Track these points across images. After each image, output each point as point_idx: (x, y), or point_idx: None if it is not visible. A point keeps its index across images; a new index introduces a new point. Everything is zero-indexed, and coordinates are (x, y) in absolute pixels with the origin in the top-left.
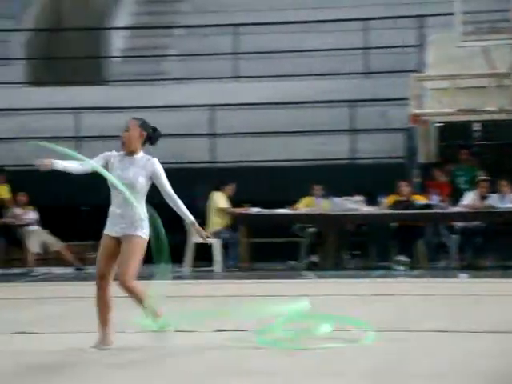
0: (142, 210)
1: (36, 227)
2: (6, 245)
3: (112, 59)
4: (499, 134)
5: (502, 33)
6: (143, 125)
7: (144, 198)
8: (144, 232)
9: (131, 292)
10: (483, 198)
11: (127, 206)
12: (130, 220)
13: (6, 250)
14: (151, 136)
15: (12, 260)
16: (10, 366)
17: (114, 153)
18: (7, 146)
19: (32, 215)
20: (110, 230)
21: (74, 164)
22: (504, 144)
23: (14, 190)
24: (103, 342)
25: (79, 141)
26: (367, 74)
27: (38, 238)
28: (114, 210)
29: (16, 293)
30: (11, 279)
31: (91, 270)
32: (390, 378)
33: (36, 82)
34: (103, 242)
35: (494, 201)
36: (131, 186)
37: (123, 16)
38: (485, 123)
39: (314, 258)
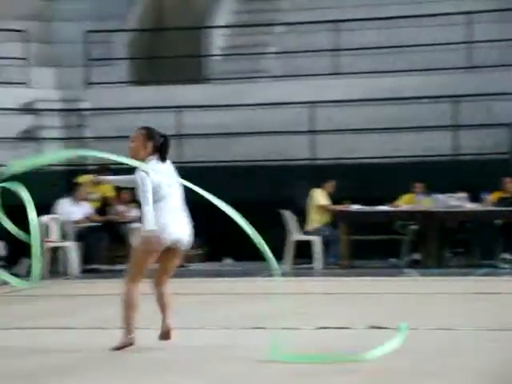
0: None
1: (139, 224)
2: (110, 242)
3: (212, 57)
4: None
5: None
6: (148, 134)
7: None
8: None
9: None
10: None
11: None
12: None
13: (109, 247)
14: (159, 145)
15: (116, 257)
16: (134, 360)
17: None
18: (111, 145)
19: (135, 213)
20: None
21: (121, 177)
22: None
23: (118, 188)
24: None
25: (180, 139)
26: (471, 68)
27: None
28: None
29: (119, 289)
30: (115, 276)
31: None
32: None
33: (138, 81)
34: None
35: None
36: None
37: (224, 14)
38: None
39: (416, 256)
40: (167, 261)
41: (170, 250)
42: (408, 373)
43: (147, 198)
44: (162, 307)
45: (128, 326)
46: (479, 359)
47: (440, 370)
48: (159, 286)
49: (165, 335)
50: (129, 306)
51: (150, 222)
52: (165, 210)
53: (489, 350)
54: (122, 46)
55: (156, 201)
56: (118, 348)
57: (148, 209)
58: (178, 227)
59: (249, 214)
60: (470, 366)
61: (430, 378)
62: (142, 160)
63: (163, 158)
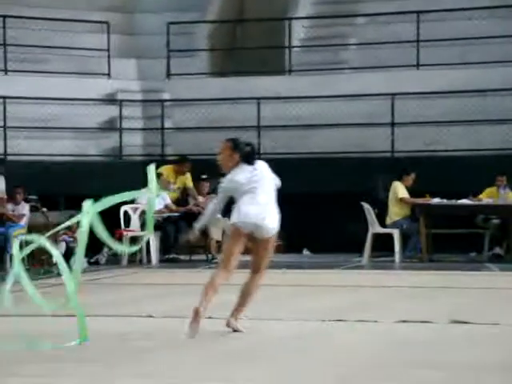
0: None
1: (218, 215)
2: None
3: (293, 49)
4: None
5: None
6: (234, 145)
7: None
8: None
9: None
10: None
11: None
12: None
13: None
14: (245, 155)
15: (194, 247)
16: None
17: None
18: (191, 136)
19: None
20: None
21: (211, 211)
22: None
23: (197, 179)
24: None
25: (260, 130)
26: None
27: (220, 226)
28: None
29: (199, 279)
30: (194, 266)
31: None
32: None
33: (219, 72)
34: None
35: None
36: None
37: (304, 5)
38: None
39: (498, 250)
40: (256, 251)
41: (259, 241)
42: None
43: (214, 200)
44: (242, 294)
45: (204, 302)
46: None
47: None
48: (251, 276)
49: (229, 323)
50: (210, 286)
51: (203, 219)
52: (247, 202)
53: None
54: (203, 37)
55: (240, 196)
56: (192, 322)
57: (210, 207)
58: (260, 217)
59: (327, 207)
60: None
61: None
62: (228, 170)
63: (250, 163)
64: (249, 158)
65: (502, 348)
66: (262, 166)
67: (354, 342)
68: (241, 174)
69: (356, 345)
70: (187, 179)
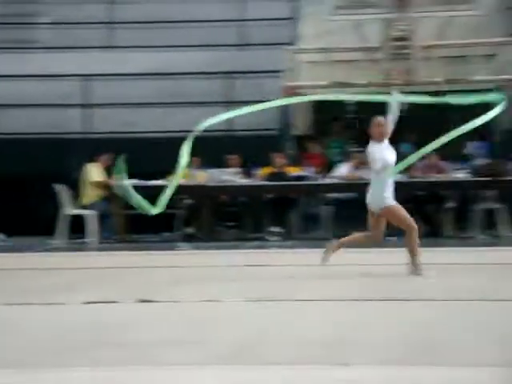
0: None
1: None
2: None
3: None
4: (372, 106)
5: (374, 7)
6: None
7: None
8: None
9: None
10: (356, 169)
11: None
12: None
13: None
14: None
15: None
16: None
17: None
18: None
19: None
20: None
21: None
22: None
23: None
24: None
25: None
26: (243, 45)
27: None
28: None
29: None
30: None
31: None
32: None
33: None
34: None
35: (366, 172)
36: None
37: None
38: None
39: (190, 230)
40: None
41: None
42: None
43: None
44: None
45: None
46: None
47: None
48: None
49: None
50: None
51: None
52: None
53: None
54: None
55: None
56: None
57: None
58: None
59: (20, 189)
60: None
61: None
62: None
63: None
64: None
65: (179, 325)
66: None
67: (36, 327)
68: None
69: (38, 329)
70: None
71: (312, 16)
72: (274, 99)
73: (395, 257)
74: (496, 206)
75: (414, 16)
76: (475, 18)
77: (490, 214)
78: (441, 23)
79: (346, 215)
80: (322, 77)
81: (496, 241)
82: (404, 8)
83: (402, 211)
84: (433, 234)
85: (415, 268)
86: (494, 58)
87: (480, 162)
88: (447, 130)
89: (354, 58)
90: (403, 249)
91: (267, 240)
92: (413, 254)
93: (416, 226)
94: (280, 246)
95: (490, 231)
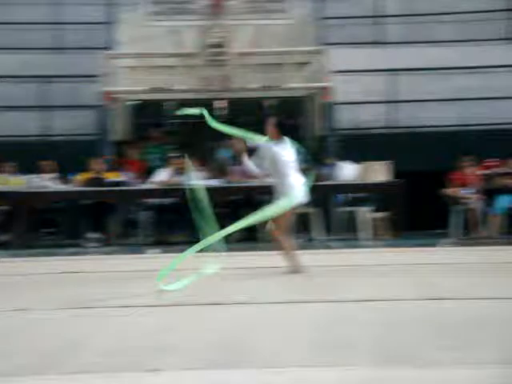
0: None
1: None
2: None
3: None
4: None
5: (190, 14)
6: None
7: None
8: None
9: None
10: (175, 175)
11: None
12: None
13: None
14: None
15: None
16: None
17: None
18: None
19: None
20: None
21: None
22: (195, 122)
23: None
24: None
25: None
26: (58, 49)
27: None
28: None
29: None
30: None
31: None
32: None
33: None
34: None
35: (184, 178)
36: None
37: None
38: (176, 102)
39: (5, 237)
40: None
41: None
42: None
43: None
44: None
45: None
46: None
47: None
48: None
49: None
50: None
51: None
52: None
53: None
54: None
55: None
56: None
57: None
58: None
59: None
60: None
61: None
62: None
63: None
64: None
65: None
66: None
67: None
68: None
69: None
70: None
71: (128, 21)
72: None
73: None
74: (309, 209)
75: (230, 23)
76: (289, 26)
77: (303, 217)
78: (256, 31)
79: (166, 220)
80: (141, 82)
81: (308, 244)
82: (219, 15)
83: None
84: (250, 238)
85: (295, 267)
86: (307, 66)
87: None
88: None
89: (172, 63)
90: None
91: (85, 246)
92: (286, 254)
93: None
94: (98, 253)
95: (304, 234)
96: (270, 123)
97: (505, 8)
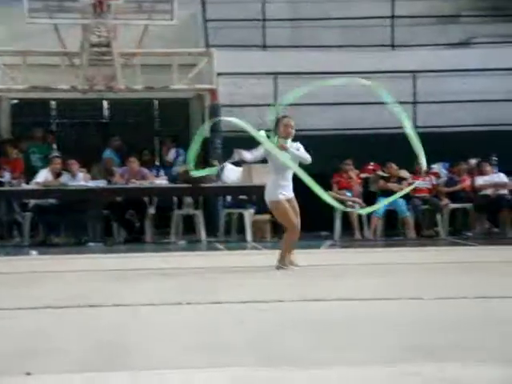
0: None
1: None
2: None
3: None
4: (75, 112)
5: (72, 12)
6: None
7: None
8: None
9: None
10: (56, 175)
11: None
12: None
13: None
14: None
15: None
16: None
17: None
18: None
19: None
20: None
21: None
22: (79, 122)
23: None
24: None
25: None
26: None
27: None
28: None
29: None
30: None
31: None
32: None
33: None
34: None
35: (66, 178)
36: None
37: None
38: (60, 101)
39: None
40: None
41: None
42: None
43: None
44: None
45: None
46: None
47: None
48: None
49: None
50: None
51: None
52: None
53: None
54: None
55: None
56: None
57: None
58: None
59: None
60: None
61: None
62: None
63: None
64: None
65: None
66: None
67: None
68: None
69: None
70: None
71: (5, 18)
72: None
73: None
74: (194, 211)
75: (114, 23)
76: (174, 28)
77: (189, 219)
78: (140, 32)
79: (47, 221)
80: (20, 80)
81: (195, 245)
82: (102, 14)
83: (289, 210)
84: (135, 239)
85: (281, 264)
86: (194, 68)
87: (179, 169)
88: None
89: (54, 62)
90: None
91: None
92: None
93: (297, 227)
94: None
95: (189, 236)
96: None
97: (390, 15)
